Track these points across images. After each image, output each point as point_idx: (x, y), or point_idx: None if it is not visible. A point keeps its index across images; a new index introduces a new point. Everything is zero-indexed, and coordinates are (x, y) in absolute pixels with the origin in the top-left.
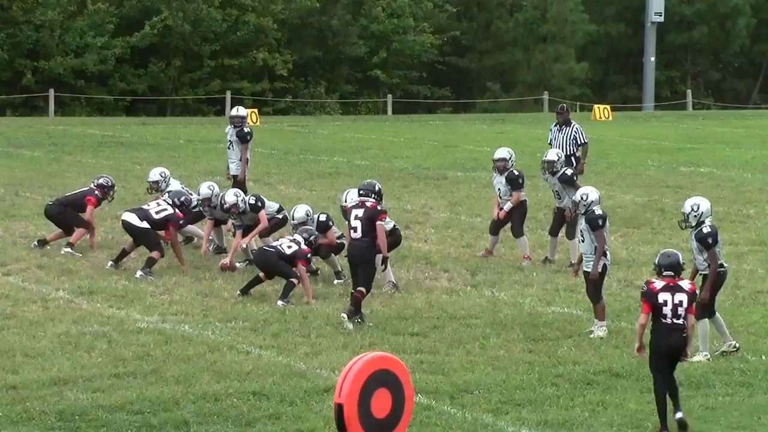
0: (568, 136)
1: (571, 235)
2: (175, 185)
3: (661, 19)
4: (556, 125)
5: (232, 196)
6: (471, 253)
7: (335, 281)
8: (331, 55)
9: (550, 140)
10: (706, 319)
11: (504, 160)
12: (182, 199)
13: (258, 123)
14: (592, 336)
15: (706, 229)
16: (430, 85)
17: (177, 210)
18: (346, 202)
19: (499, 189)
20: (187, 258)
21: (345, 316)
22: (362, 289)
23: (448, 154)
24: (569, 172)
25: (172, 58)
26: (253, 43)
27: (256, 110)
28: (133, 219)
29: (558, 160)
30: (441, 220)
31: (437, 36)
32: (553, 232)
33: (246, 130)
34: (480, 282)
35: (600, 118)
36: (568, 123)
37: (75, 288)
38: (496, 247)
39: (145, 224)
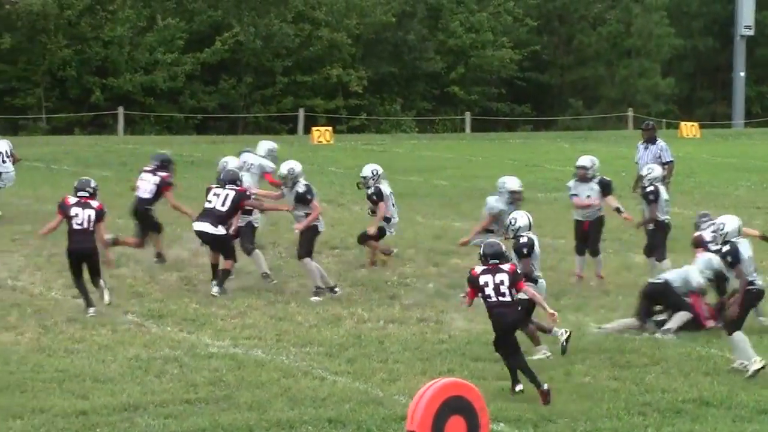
0: (653, 155)
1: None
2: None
3: (752, 32)
4: (643, 143)
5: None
6: (554, 276)
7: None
8: (407, 71)
9: (637, 159)
10: (737, 331)
11: (585, 168)
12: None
13: (332, 141)
14: (535, 357)
15: (725, 248)
16: (510, 101)
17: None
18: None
19: (588, 195)
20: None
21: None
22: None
23: (529, 173)
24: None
25: (244, 74)
26: (327, 59)
27: (330, 128)
28: (206, 227)
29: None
30: None
31: (517, 51)
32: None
33: None
34: (564, 306)
35: (687, 135)
36: (653, 140)
37: (145, 311)
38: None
39: (220, 230)
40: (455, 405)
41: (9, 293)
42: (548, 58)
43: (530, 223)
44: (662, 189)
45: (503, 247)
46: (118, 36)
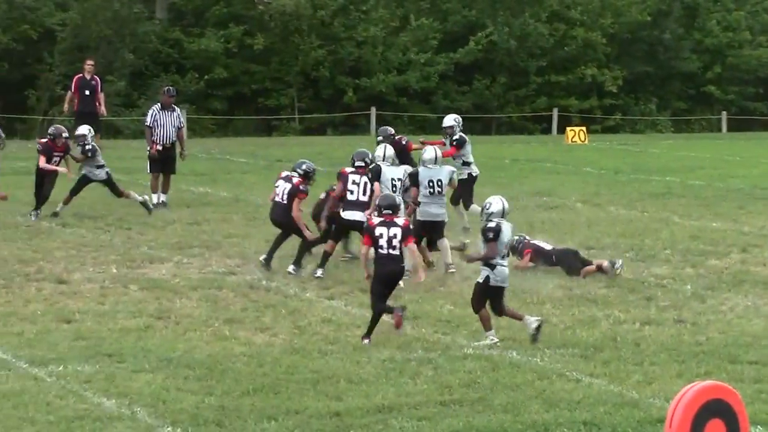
0: None
1: None
2: None
3: None
4: None
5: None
6: None
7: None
8: (662, 71)
9: None
10: None
11: None
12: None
13: (586, 141)
14: (478, 344)
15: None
16: (767, 101)
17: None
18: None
19: None
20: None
21: None
22: None
23: None
24: None
25: (497, 74)
26: (582, 59)
27: (584, 128)
28: (359, 216)
29: None
30: None
31: None
32: None
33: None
34: None
35: None
36: None
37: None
38: None
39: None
40: (715, 408)
41: (263, 294)
42: None
43: (504, 209)
44: None
45: (397, 200)
46: (371, 36)
